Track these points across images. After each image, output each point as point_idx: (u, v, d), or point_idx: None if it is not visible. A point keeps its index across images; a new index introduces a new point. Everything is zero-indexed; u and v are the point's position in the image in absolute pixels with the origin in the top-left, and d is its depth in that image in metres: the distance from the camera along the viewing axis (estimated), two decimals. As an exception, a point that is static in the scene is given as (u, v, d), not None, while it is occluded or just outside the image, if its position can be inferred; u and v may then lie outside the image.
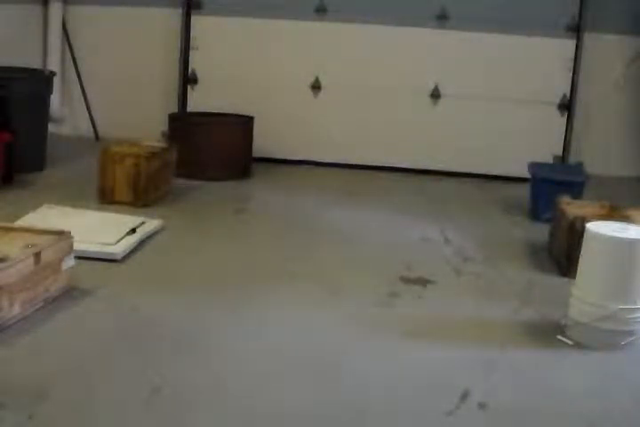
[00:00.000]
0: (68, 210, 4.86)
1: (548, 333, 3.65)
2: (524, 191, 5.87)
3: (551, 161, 6.75)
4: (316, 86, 6.90)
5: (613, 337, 3.52)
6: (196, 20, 7.00)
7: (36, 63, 6.84)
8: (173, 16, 7.09)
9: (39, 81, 6.09)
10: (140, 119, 7.09)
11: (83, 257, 3.99)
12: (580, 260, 3.70)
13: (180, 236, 4.79)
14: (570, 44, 6.71)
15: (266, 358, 3.21)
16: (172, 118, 6.47)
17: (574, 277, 3.78)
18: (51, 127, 6.40)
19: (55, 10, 7.01)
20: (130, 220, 4.71)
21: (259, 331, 3.47)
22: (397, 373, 3.18)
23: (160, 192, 5.48)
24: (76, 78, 7.23)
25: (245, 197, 5.87)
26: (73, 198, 5.23)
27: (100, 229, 4.45)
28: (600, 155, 6.89)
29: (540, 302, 4.02)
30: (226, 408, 2.79)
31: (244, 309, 3.71)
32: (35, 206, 4.83)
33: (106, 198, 5.27)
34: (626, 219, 4.18)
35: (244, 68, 6.82)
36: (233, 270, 4.22)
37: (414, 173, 6.82)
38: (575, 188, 5.34)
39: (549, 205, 5.00)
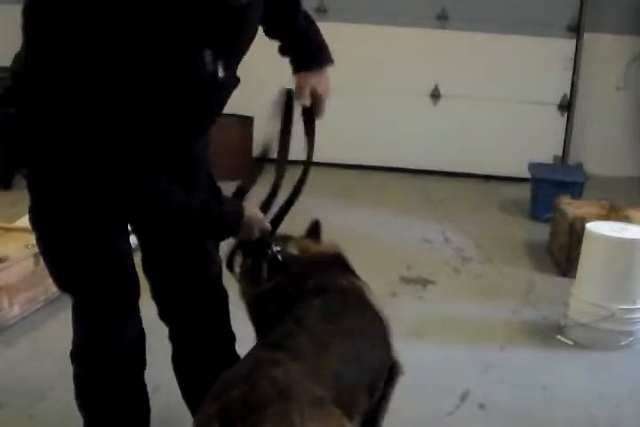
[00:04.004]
0: (68, 210, 4.86)
1: (548, 333, 3.65)
2: (524, 191, 5.87)
3: (551, 161, 6.75)
4: (315, 86, 6.91)
5: (613, 337, 3.53)
6: (196, 20, 7.00)
7: (36, 63, 6.85)
8: (173, 16, 7.08)
9: (39, 81, 6.09)
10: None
11: (83, 257, 3.99)
12: (580, 260, 3.70)
13: (180, 236, 4.78)
14: (570, 44, 6.70)
15: (266, 358, 3.21)
16: (172, 118, 6.46)
17: (574, 277, 3.79)
18: (51, 127, 6.40)
19: (55, 10, 7.02)
20: (130, 220, 4.70)
21: (259, 331, 3.47)
22: (397, 373, 3.18)
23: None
24: (76, 78, 7.24)
25: (245, 197, 5.87)
26: (73, 198, 5.23)
27: (100, 229, 4.44)
28: (600, 155, 6.89)
29: (540, 302, 4.03)
30: (226, 408, 2.79)
31: (244, 308, 3.70)
32: (35, 206, 4.83)
33: (106, 198, 5.27)
34: (626, 219, 4.18)
35: (244, 68, 6.81)
36: (233, 270, 4.22)
37: (414, 173, 6.82)
38: (575, 188, 5.34)
39: (549, 205, 5.00)
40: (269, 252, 2.18)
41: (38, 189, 2.08)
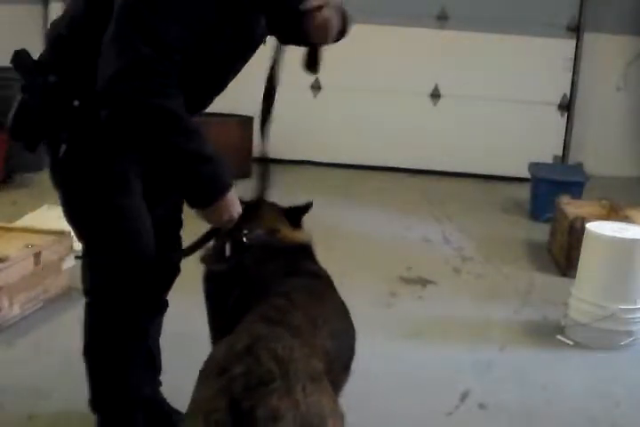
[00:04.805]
0: (68, 210, 4.85)
1: (548, 333, 3.65)
2: (524, 191, 5.87)
3: (551, 161, 6.75)
4: (316, 86, 6.90)
5: (613, 337, 3.53)
6: (196, 20, 6.99)
7: (36, 63, 6.84)
8: (173, 16, 7.08)
9: (39, 81, 6.09)
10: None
11: (83, 257, 3.98)
12: (580, 260, 3.70)
13: (180, 236, 4.78)
14: (570, 44, 6.70)
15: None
16: (172, 118, 6.45)
17: (574, 277, 3.78)
18: (51, 127, 6.39)
19: (55, 10, 7.00)
20: (130, 220, 4.70)
21: (259, 331, 3.47)
22: (397, 373, 3.18)
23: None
24: (76, 78, 7.24)
25: (245, 197, 5.87)
26: (73, 198, 5.23)
27: (100, 229, 4.44)
28: (600, 155, 6.89)
29: (540, 302, 4.03)
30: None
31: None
32: (35, 206, 4.83)
33: (106, 198, 5.26)
34: (626, 219, 4.18)
35: (244, 68, 6.81)
36: (233, 270, 4.22)
37: (414, 173, 6.81)
38: (575, 188, 5.34)
39: (549, 205, 5.00)
40: (235, 232, 2.21)
41: (76, 152, 2.19)
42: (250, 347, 1.72)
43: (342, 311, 2.17)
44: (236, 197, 2.17)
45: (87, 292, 2.39)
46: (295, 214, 2.40)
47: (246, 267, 2.19)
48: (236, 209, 2.17)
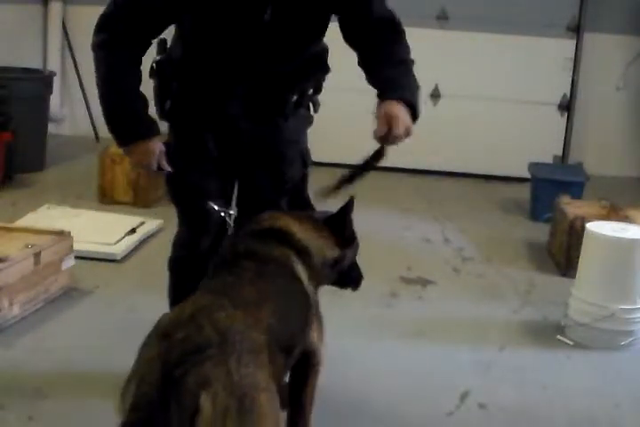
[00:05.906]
0: (68, 210, 4.86)
1: (548, 333, 3.65)
2: (524, 191, 5.87)
3: (551, 161, 6.74)
4: (316, 86, 6.90)
5: (613, 337, 3.53)
6: (196, 20, 6.98)
7: (36, 63, 6.84)
8: (173, 16, 7.07)
9: (39, 81, 6.09)
10: (140, 119, 7.07)
11: (83, 257, 3.99)
12: (580, 260, 3.70)
13: (180, 236, 4.78)
14: (570, 44, 6.70)
15: (266, 358, 3.20)
16: (172, 118, 6.45)
17: (574, 277, 3.78)
18: (51, 127, 6.39)
19: (55, 10, 7.00)
20: (130, 220, 4.71)
21: (259, 331, 3.46)
22: (397, 373, 3.19)
23: (160, 192, 5.47)
24: (76, 78, 7.23)
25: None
26: (73, 198, 5.23)
27: (100, 229, 4.45)
28: (600, 155, 6.88)
29: (540, 302, 4.03)
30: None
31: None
32: (35, 206, 4.83)
33: (106, 198, 5.27)
34: (626, 219, 4.18)
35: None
36: (233, 270, 4.22)
37: (414, 173, 6.81)
38: (575, 188, 5.34)
39: (549, 205, 5.00)
40: (221, 215, 2.54)
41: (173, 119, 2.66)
42: (193, 315, 1.80)
43: (289, 296, 2.20)
44: (150, 148, 2.47)
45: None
46: (338, 227, 2.66)
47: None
48: (149, 158, 2.48)
